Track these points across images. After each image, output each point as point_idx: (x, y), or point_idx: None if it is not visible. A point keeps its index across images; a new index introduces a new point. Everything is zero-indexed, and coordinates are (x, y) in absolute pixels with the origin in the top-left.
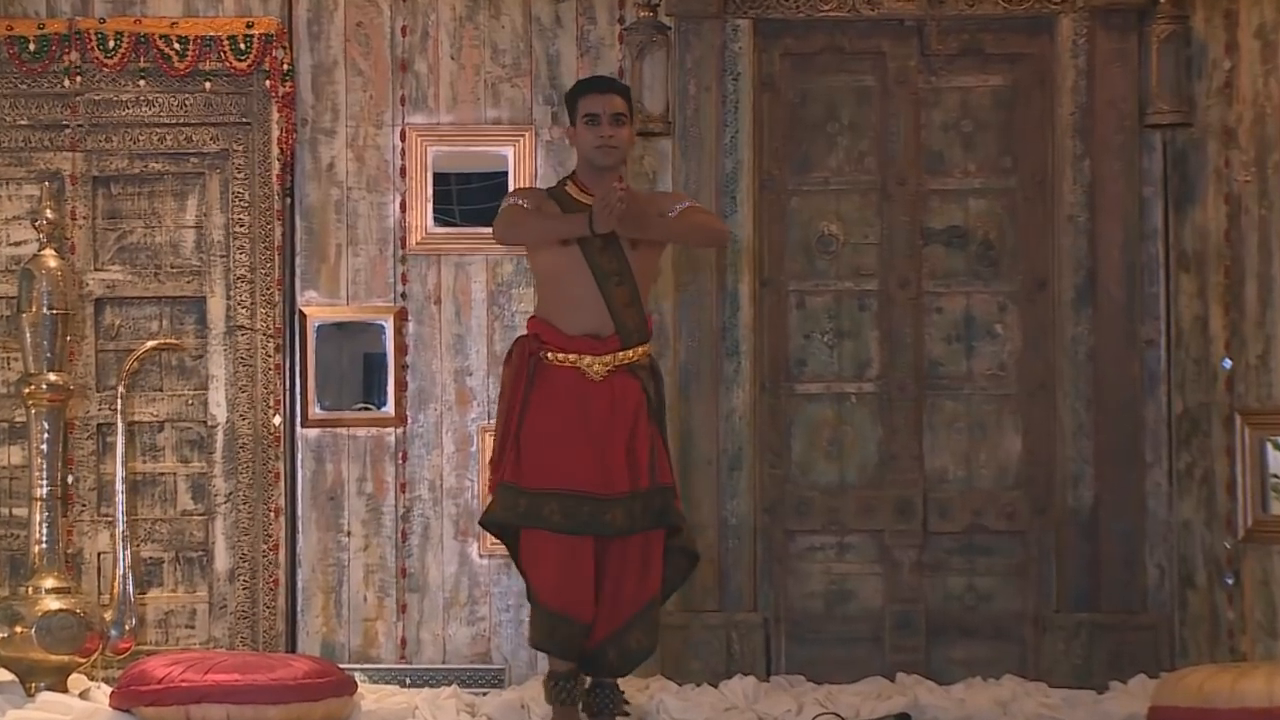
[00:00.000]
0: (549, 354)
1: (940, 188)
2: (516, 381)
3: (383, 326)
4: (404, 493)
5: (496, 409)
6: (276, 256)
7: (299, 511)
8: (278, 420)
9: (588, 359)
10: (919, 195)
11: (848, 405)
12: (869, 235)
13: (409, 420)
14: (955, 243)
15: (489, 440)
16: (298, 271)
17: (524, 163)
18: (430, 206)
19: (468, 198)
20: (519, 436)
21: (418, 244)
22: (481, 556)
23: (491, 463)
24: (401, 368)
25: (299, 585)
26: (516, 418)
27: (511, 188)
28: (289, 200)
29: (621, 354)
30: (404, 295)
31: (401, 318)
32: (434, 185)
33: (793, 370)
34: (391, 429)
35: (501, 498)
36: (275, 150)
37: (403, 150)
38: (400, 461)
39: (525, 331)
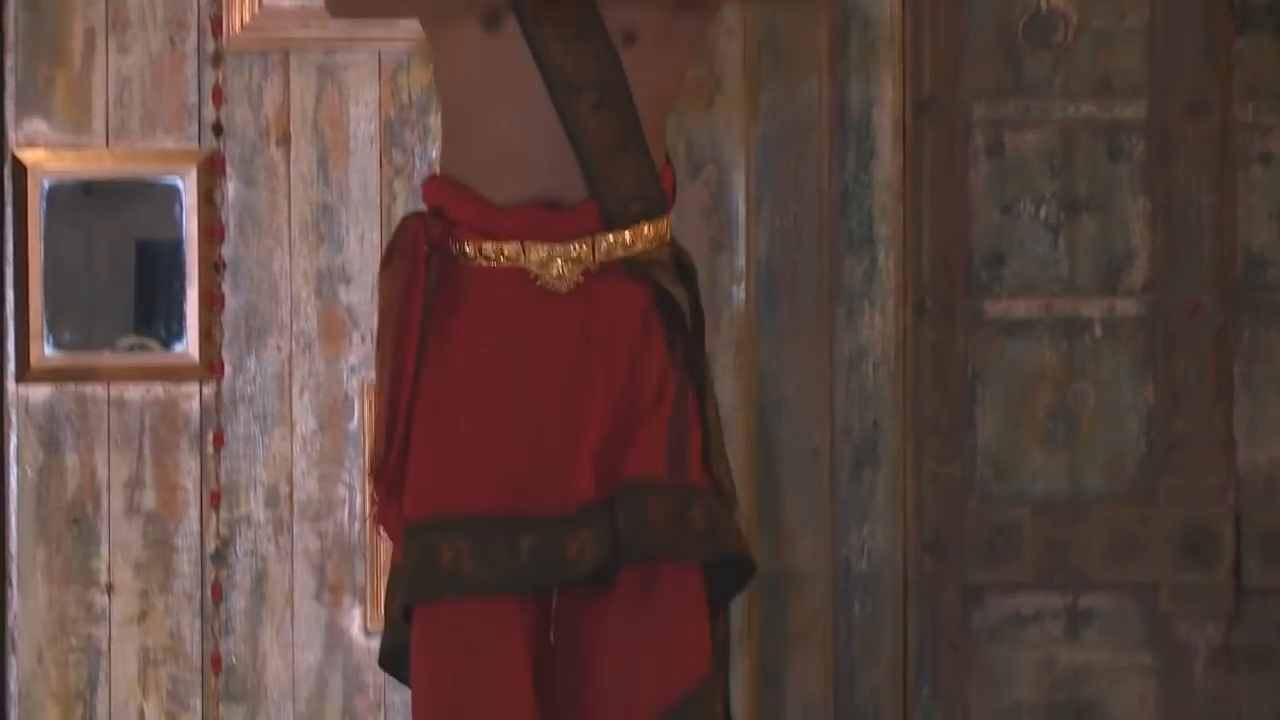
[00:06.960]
0: (466, 246)
1: None
2: (407, 303)
3: (176, 189)
4: (218, 510)
5: (376, 356)
6: None
7: (11, 546)
8: None
9: (539, 252)
10: None
11: (1085, 342)
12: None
13: (228, 370)
14: None
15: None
16: (8, 84)
17: None
18: None
19: None
20: (410, 416)
21: (244, 28)
22: (369, 633)
23: (373, 471)
24: (213, 269)
25: (10, 686)
26: (410, 376)
27: None
28: None
29: (608, 239)
30: (218, 128)
31: (213, 171)
32: None
33: (978, 275)
34: (194, 386)
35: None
36: None
37: None
38: (212, 449)
39: (422, 205)
